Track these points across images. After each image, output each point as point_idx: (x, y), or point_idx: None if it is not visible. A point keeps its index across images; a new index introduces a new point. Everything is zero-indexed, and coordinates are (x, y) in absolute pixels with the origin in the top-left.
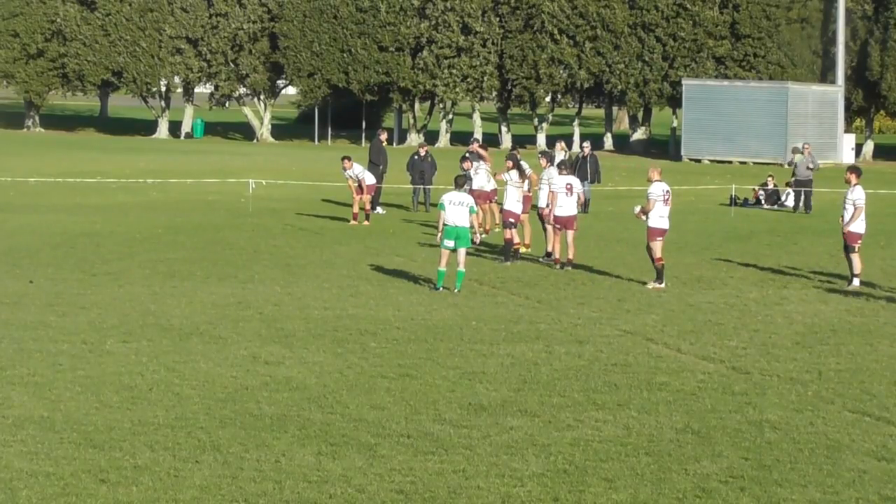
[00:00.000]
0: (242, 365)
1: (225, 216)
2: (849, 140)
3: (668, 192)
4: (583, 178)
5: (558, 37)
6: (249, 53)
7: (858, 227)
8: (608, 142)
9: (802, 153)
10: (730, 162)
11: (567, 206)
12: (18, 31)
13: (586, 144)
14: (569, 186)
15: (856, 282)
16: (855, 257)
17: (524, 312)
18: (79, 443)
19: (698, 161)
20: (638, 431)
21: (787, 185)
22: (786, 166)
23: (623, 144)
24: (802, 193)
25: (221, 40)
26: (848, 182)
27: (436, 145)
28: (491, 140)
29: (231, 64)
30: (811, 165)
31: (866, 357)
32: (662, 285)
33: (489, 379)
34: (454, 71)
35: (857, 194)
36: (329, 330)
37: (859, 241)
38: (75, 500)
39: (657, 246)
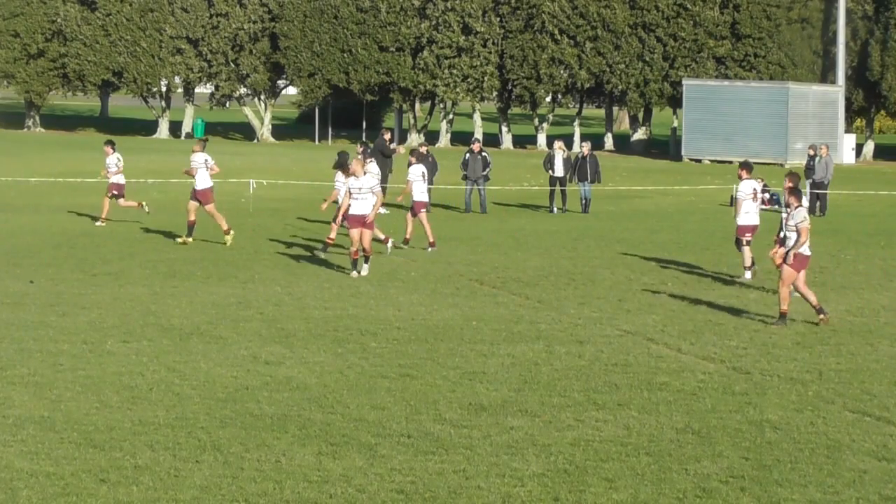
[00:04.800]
0: (243, 365)
1: (225, 216)
2: (849, 140)
3: (424, 173)
4: (582, 178)
5: (559, 37)
6: (250, 53)
7: (744, 219)
8: (608, 142)
9: (819, 154)
10: (730, 162)
11: (425, 193)
12: (19, 31)
13: (585, 144)
14: (423, 174)
15: (747, 274)
16: (746, 250)
17: (524, 312)
18: (79, 443)
19: (699, 161)
20: (638, 431)
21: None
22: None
23: (623, 144)
24: (818, 196)
25: (222, 40)
26: (739, 178)
27: (436, 145)
28: (492, 140)
29: (231, 64)
30: (829, 171)
31: (866, 357)
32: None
33: (490, 379)
34: (455, 71)
35: (740, 187)
36: (329, 330)
37: (748, 234)
38: (76, 499)
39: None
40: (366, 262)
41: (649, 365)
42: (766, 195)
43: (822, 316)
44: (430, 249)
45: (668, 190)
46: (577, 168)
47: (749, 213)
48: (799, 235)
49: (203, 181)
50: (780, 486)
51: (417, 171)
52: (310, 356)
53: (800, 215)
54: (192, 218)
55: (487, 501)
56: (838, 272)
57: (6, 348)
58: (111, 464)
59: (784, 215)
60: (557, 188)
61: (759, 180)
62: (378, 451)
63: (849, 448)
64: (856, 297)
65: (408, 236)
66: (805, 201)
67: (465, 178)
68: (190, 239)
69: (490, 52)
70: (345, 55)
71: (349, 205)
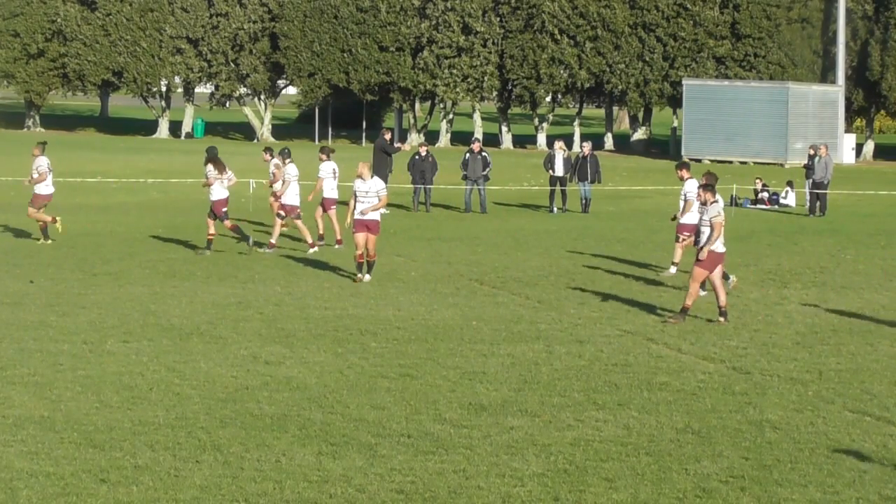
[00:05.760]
0: (243, 365)
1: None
2: (849, 140)
3: (335, 170)
4: (583, 178)
5: (559, 37)
6: (250, 53)
7: (688, 218)
8: (609, 142)
9: (819, 154)
10: (730, 162)
11: (335, 190)
12: (19, 31)
13: (586, 144)
14: (334, 171)
15: (672, 269)
16: (678, 246)
17: (524, 312)
18: (79, 443)
19: (699, 161)
20: (638, 431)
21: (788, 183)
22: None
23: (623, 144)
24: (818, 196)
25: (222, 40)
26: (681, 178)
27: (436, 145)
28: (492, 140)
29: (231, 64)
30: (828, 170)
31: (866, 357)
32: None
33: (489, 379)
34: (454, 71)
35: (688, 187)
36: (329, 330)
37: (686, 233)
38: (76, 499)
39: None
40: (369, 269)
41: (649, 365)
42: (766, 195)
43: (721, 318)
44: (336, 247)
45: (668, 190)
46: (578, 168)
47: (694, 213)
48: (712, 230)
49: (46, 187)
50: (780, 486)
51: (328, 168)
52: (310, 356)
53: (714, 210)
54: (47, 218)
55: (487, 501)
56: (838, 272)
57: (6, 348)
58: (111, 464)
59: (700, 212)
60: (557, 188)
61: (758, 180)
62: (378, 451)
63: (849, 448)
64: (856, 297)
65: (321, 233)
66: (789, 197)
67: (465, 177)
68: (49, 241)
69: (490, 52)
70: (345, 55)
71: (354, 207)
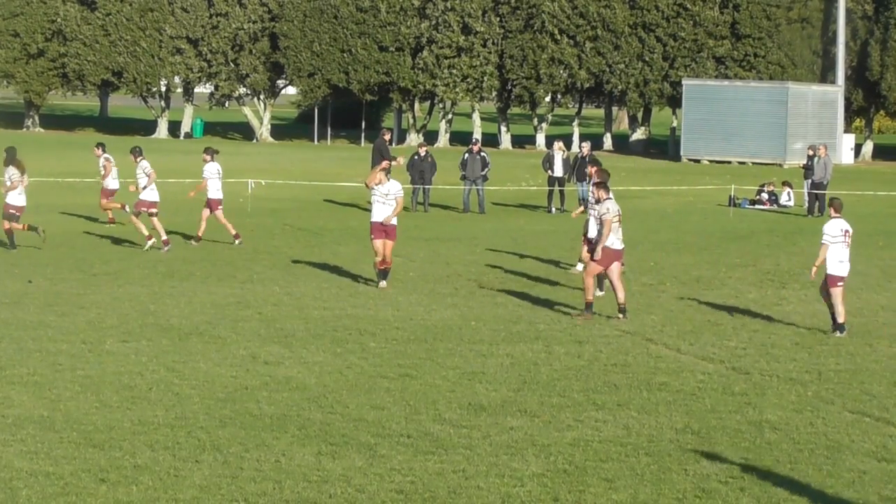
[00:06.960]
0: (242, 365)
1: (224, 216)
2: (848, 140)
3: (219, 170)
4: (581, 179)
5: (558, 37)
6: (249, 53)
7: None
8: (608, 142)
9: (818, 155)
10: (729, 162)
11: (219, 190)
12: (19, 31)
13: (585, 144)
14: (218, 172)
15: (579, 266)
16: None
17: (523, 312)
18: (79, 442)
19: (697, 161)
20: (638, 431)
21: (785, 183)
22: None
23: (623, 144)
24: (817, 196)
25: (222, 40)
26: (589, 175)
27: (435, 145)
28: (491, 140)
29: (231, 64)
30: (828, 171)
31: (866, 357)
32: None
33: (489, 379)
34: (454, 71)
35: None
36: (329, 330)
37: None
38: (75, 499)
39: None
40: (385, 276)
41: (648, 365)
42: (765, 195)
43: (620, 315)
44: (236, 242)
45: (666, 190)
46: (577, 168)
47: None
48: (601, 227)
49: None
50: (780, 486)
51: (213, 168)
52: (309, 356)
53: (604, 207)
54: None
55: (487, 501)
56: None
57: (5, 348)
58: (111, 463)
59: (592, 210)
60: (556, 188)
61: (771, 183)
62: (378, 451)
63: (849, 448)
64: (855, 297)
65: (200, 234)
66: (790, 199)
67: (464, 178)
68: None
69: (490, 52)
70: (345, 55)
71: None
